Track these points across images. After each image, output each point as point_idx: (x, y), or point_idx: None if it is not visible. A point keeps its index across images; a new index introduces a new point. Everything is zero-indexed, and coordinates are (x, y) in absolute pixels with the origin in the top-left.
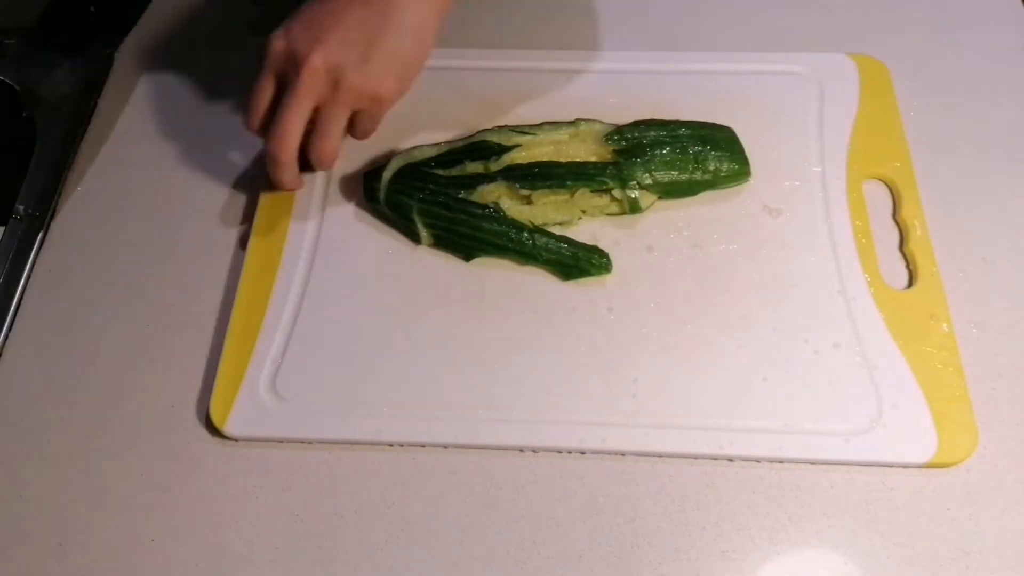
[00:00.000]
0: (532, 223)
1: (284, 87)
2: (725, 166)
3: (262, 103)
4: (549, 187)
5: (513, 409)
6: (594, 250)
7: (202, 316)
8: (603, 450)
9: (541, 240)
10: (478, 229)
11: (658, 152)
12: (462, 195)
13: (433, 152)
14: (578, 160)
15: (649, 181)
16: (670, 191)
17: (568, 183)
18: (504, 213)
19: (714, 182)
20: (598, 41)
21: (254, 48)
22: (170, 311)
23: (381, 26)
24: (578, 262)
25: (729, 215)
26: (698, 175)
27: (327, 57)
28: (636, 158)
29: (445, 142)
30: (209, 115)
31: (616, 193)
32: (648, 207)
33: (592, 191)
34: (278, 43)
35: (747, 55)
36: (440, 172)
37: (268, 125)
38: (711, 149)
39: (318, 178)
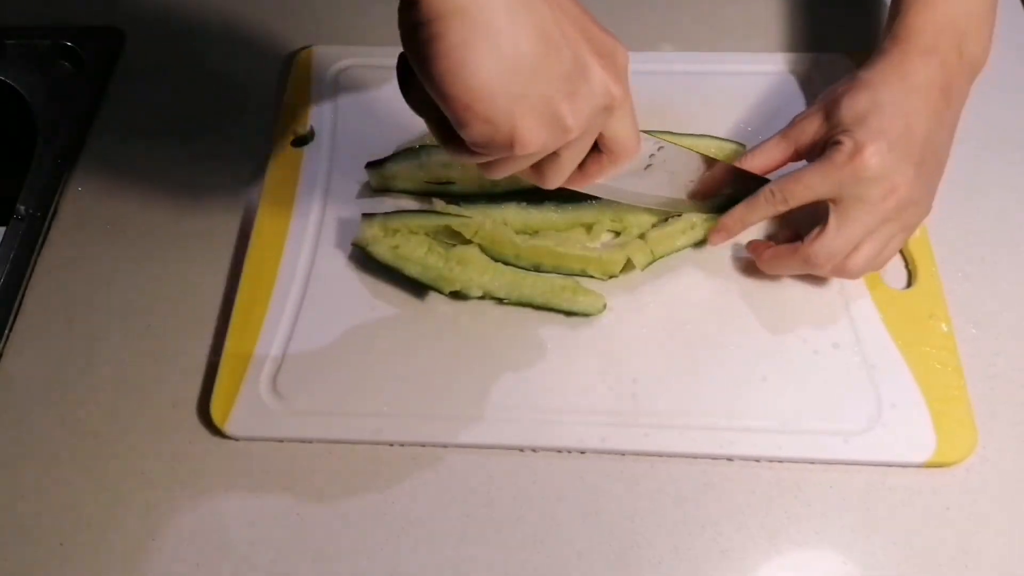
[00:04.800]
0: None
1: (851, 196)
2: None
3: (808, 199)
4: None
5: (513, 409)
6: (583, 294)
7: (203, 315)
8: (603, 450)
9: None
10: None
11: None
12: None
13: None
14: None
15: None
16: None
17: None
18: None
19: None
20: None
21: (259, 48)
22: (171, 311)
23: (944, 140)
24: (573, 308)
25: None
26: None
27: (916, 185)
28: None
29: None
30: (211, 115)
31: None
32: None
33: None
34: (873, 160)
35: (747, 55)
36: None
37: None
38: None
39: (319, 178)
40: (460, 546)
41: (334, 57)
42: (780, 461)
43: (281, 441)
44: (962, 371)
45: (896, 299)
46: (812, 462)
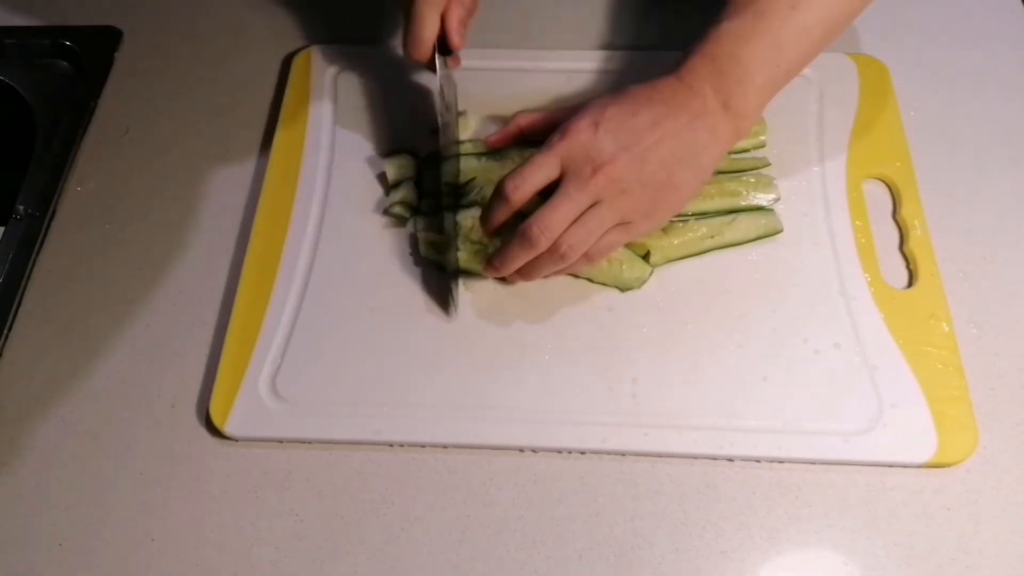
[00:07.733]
0: None
1: (568, 173)
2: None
3: (539, 179)
4: None
5: (513, 409)
6: (635, 264)
7: (202, 316)
8: (603, 450)
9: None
10: None
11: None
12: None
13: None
14: None
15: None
16: None
17: None
18: None
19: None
20: (599, 41)
21: (258, 48)
22: (170, 311)
23: (681, 159)
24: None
25: None
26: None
27: (628, 169)
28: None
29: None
30: (209, 116)
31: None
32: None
33: None
34: (584, 135)
35: None
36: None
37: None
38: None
39: (318, 178)
40: (460, 546)
41: (334, 57)
42: (781, 461)
43: (281, 441)
44: (963, 371)
45: (897, 299)
46: (813, 462)
